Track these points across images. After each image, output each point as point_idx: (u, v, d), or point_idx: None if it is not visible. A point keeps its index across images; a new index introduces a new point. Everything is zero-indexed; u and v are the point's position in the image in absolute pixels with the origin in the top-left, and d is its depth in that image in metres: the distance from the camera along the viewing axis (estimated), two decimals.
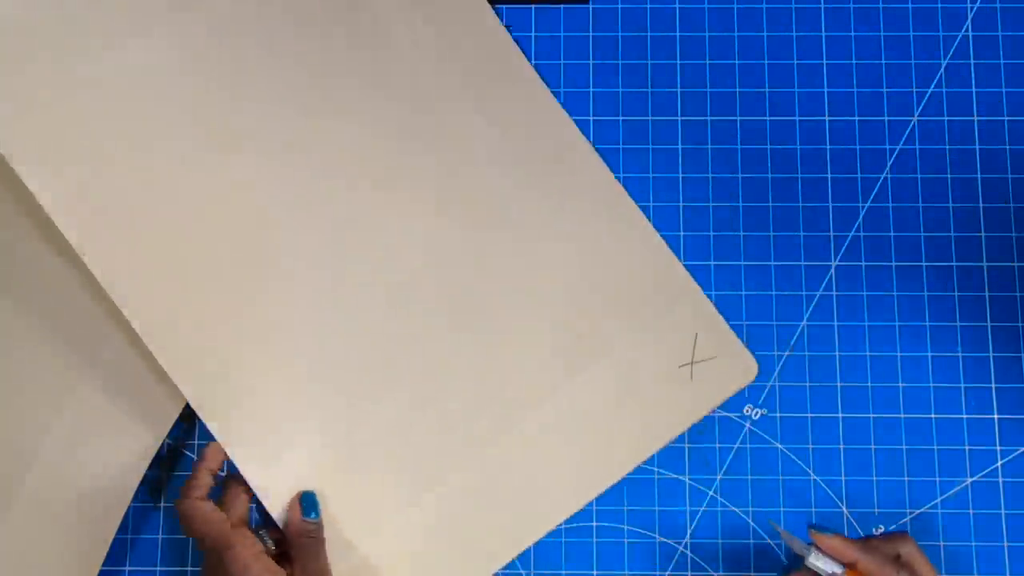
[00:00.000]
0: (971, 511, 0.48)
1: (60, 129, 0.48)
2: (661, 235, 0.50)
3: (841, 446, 0.49)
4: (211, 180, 0.49)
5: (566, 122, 0.50)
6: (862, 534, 0.48)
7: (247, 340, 0.48)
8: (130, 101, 0.48)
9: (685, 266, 0.50)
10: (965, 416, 0.49)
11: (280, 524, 0.46)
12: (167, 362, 0.47)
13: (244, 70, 0.49)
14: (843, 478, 0.49)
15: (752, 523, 0.49)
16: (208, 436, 0.49)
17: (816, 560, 0.43)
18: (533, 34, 0.52)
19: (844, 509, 0.48)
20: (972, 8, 0.52)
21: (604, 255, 0.49)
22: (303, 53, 0.50)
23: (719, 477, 0.49)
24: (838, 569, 0.42)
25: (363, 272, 0.49)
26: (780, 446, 0.49)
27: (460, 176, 0.50)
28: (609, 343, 0.48)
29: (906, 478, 0.48)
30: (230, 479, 0.47)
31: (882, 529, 0.48)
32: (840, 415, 0.49)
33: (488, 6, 0.51)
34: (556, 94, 0.52)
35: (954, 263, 0.50)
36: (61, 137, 0.48)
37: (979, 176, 0.51)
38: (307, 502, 0.46)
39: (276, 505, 0.46)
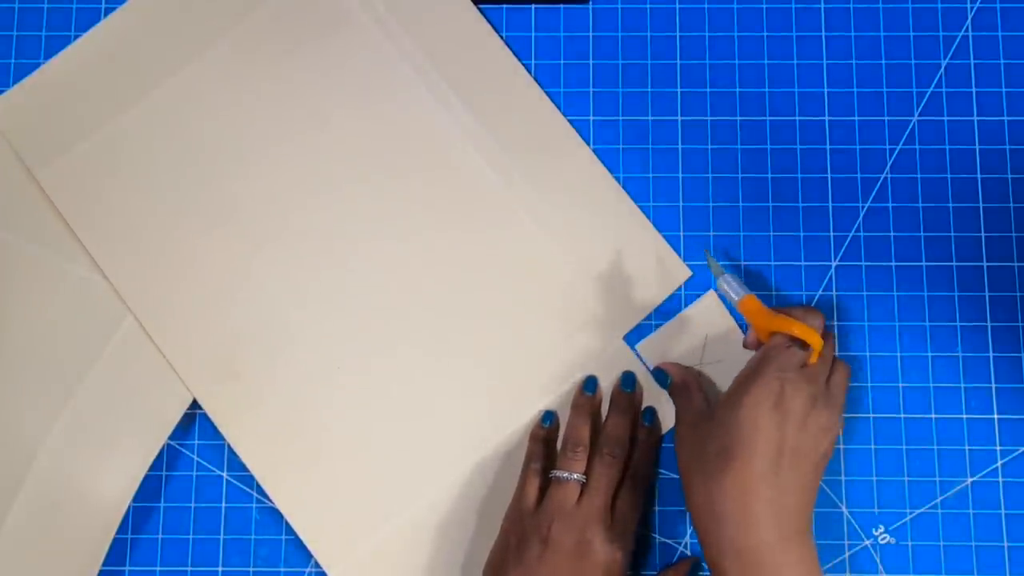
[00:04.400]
0: (971, 511, 0.48)
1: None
2: (662, 235, 0.50)
3: (841, 446, 0.49)
4: (224, 194, 0.50)
5: (555, 116, 0.51)
6: (863, 534, 0.48)
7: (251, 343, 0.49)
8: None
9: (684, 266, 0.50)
10: (965, 416, 0.49)
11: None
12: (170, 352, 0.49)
13: (250, 90, 0.51)
14: (843, 478, 0.49)
15: None
16: (207, 436, 0.49)
17: (725, 283, 0.46)
18: (533, 34, 0.52)
19: (844, 509, 0.48)
20: (972, 8, 0.52)
21: (597, 249, 0.50)
22: (297, 71, 0.51)
23: None
24: (741, 293, 0.46)
25: (358, 277, 0.50)
26: None
27: (452, 176, 0.50)
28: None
29: (906, 478, 0.48)
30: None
31: (882, 529, 0.48)
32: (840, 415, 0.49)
33: (471, 5, 0.52)
34: (556, 94, 0.52)
35: (954, 263, 0.50)
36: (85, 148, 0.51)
37: (979, 176, 0.51)
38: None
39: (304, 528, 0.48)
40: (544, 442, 0.48)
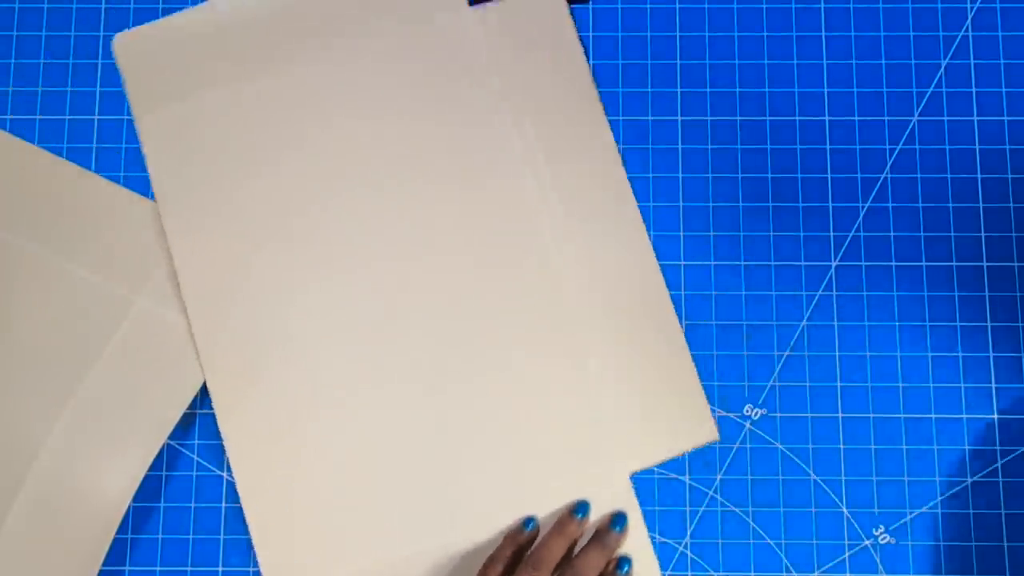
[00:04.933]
0: (971, 511, 0.48)
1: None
2: (662, 235, 0.50)
3: (841, 446, 0.49)
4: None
5: (622, 187, 0.51)
6: (863, 534, 0.48)
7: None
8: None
9: (685, 266, 0.50)
10: (965, 416, 0.49)
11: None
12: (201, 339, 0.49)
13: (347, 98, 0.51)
14: (843, 478, 0.49)
15: (752, 523, 0.49)
16: (207, 436, 0.49)
17: None
18: None
19: (844, 509, 0.48)
20: (972, 8, 0.52)
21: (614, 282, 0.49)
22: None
23: (719, 477, 0.49)
24: None
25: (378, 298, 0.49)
26: (780, 446, 0.49)
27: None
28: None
29: (906, 478, 0.48)
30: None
31: (882, 529, 0.48)
32: (840, 415, 0.49)
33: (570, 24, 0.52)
34: None
35: (954, 263, 0.50)
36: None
37: (979, 176, 0.51)
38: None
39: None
40: (517, 549, 0.46)
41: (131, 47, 0.51)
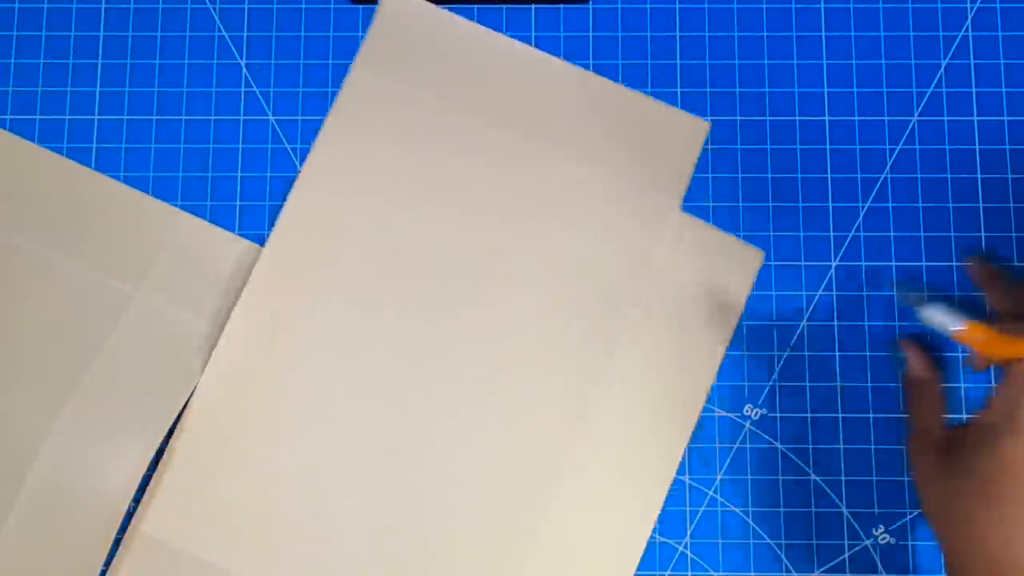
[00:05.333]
0: None
1: None
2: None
3: (841, 446, 0.49)
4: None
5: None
6: (862, 534, 0.48)
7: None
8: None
9: None
10: (965, 416, 0.49)
11: None
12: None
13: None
14: (843, 478, 0.49)
15: (752, 523, 0.49)
16: None
17: (932, 317, 0.42)
18: (533, 34, 0.52)
19: (844, 509, 0.48)
20: (972, 8, 0.52)
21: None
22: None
23: (719, 477, 0.49)
24: (959, 323, 0.41)
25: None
26: (780, 446, 0.49)
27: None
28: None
29: (906, 478, 0.48)
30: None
31: (882, 529, 0.48)
32: (840, 415, 0.49)
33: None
34: None
35: (954, 263, 0.50)
36: None
37: (979, 176, 0.51)
38: None
39: None
40: None
41: (401, 7, 0.51)
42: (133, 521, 0.47)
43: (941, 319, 0.42)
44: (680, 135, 0.50)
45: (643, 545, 0.47)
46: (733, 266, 0.49)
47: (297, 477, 0.48)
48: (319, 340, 0.49)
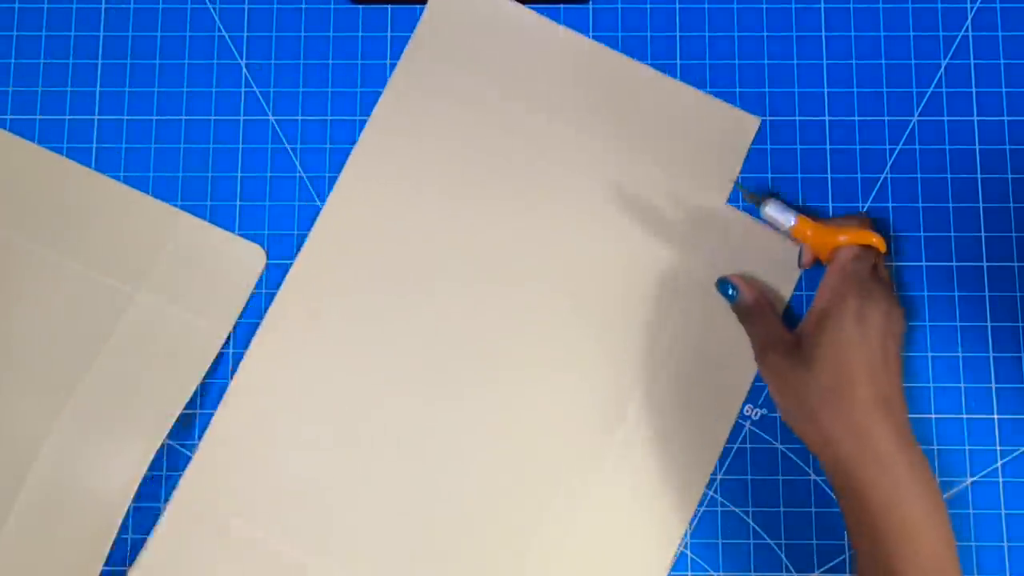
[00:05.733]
0: (971, 511, 0.48)
1: None
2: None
3: None
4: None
5: None
6: None
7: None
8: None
9: None
10: (965, 416, 0.49)
11: None
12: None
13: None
14: None
15: (752, 523, 0.49)
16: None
17: (771, 210, 0.47)
18: None
19: None
20: (972, 8, 0.52)
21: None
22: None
23: (719, 477, 0.49)
24: (791, 219, 0.47)
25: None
26: (780, 446, 0.49)
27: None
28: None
29: None
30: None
31: None
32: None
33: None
34: None
35: (954, 263, 0.50)
36: None
37: (979, 176, 0.51)
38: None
39: None
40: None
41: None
42: (174, 493, 0.48)
43: (777, 215, 0.47)
44: (730, 130, 0.51)
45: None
46: (776, 264, 0.49)
47: (327, 460, 0.48)
48: (356, 328, 0.49)
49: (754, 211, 0.50)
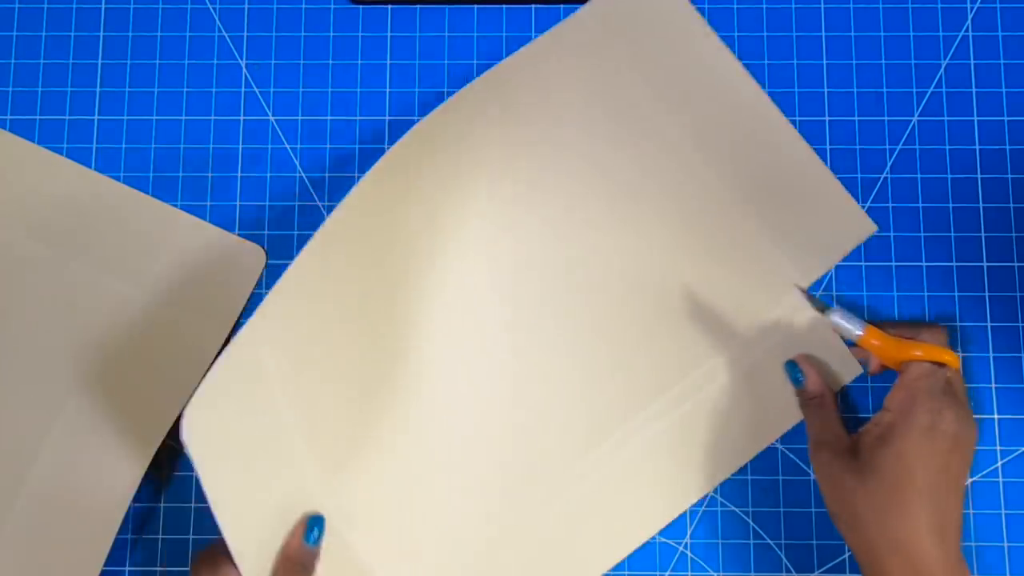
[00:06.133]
0: (971, 511, 0.48)
1: None
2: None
3: None
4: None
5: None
6: None
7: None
8: None
9: None
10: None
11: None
12: None
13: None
14: None
15: (752, 523, 0.49)
16: None
17: (837, 319, 0.46)
18: (533, 34, 0.52)
19: None
20: (972, 8, 0.52)
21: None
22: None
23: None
24: (858, 329, 0.45)
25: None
26: (780, 446, 0.49)
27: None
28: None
29: None
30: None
31: None
32: (840, 415, 0.49)
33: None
34: None
35: (954, 263, 0.50)
36: None
37: (979, 176, 0.51)
38: (314, 523, 0.44)
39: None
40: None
41: None
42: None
43: (845, 324, 0.46)
44: (844, 225, 0.49)
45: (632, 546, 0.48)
46: (826, 368, 0.48)
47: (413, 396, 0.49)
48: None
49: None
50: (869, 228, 0.49)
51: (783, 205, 0.49)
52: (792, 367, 0.47)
